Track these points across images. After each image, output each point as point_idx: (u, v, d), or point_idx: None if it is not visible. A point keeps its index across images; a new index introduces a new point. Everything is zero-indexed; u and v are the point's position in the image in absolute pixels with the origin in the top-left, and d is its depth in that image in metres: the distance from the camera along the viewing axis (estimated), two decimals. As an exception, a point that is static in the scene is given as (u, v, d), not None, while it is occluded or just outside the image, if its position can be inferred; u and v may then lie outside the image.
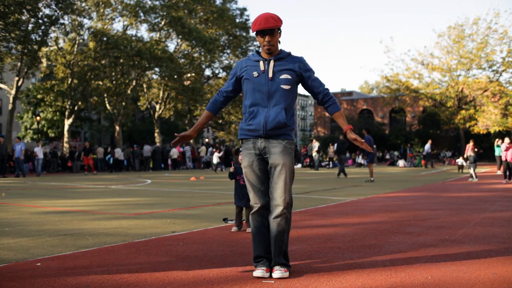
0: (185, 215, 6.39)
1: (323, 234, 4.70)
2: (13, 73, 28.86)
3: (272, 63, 3.10)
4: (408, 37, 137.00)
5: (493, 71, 35.93)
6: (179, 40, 35.31)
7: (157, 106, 36.42)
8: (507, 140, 13.72)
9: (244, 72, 3.16)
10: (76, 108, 30.84)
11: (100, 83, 31.27)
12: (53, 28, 27.80)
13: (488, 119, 34.42)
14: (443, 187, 12.00)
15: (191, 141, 39.39)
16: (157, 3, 33.60)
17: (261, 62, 3.11)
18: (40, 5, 25.45)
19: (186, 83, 34.91)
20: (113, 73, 31.26)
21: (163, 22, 33.21)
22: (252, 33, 3.08)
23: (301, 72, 3.14)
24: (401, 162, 30.35)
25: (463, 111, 35.65)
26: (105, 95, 32.01)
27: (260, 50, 3.20)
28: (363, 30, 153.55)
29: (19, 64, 26.20)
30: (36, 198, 9.35)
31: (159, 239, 4.48)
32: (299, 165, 29.81)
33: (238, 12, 39.31)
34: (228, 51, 39.93)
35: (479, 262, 3.39)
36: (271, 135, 3.08)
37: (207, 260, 3.53)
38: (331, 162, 29.10)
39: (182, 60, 35.16)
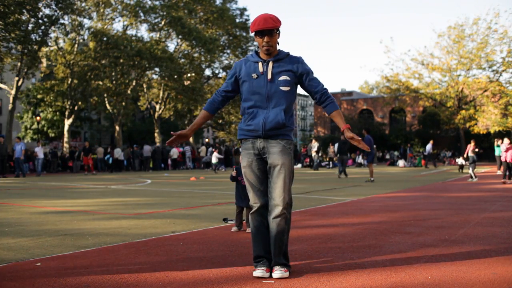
0: (185, 215, 6.39)
1: (323, 234, 4.70)
2: (13, 73, 28.87)
3: (271, 64, 3.10)
4: (408, 37, 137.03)
5: (493, 71, 35.95)
6: (179, 40, 35.32)
7: (157, 106, 36.43)
8: (506, 140, 13.71)
9: (243, 73, 3.15)
10: (76, 108, 30.84)
11: (100, 83, 31.27)
12: (53, 28, 27.82)
13: (488, 119, 34.43)
14: (443, 187, 12.00)
15: (191, 141, 39.44)
16: (157, 3, 33.60)
17: (260, 64, 3.11)
18: (40, 5, 25.45)
19: (186, 83, 34.91)
20: (113, 73, 31.27)
21: (163, 22, 33.21)
22: (252, 33, 3.05)
23: (300, 72, 3.13)
24: (401, 162, 30.36)
25: (463, 111, 35.65)
26: (105, 95, 32.01)
27: (258, 51, 3.20)
28: (363, 30, 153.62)
29: (19, 64, 26.21)
30: (36, 198, 9.35)
31: (159, 239, 4.48)
32: (299, 165, 29.81)
33: (238, 12, 39.32)
34: (228, 51, 39.93)
35: (479, 262, 3.39)
36: (270, 135, 3.08)
37: (207, 260, 3.53)
38: (331, 162, 29.10)
39: (182, 60, 35.16)
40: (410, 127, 45.94)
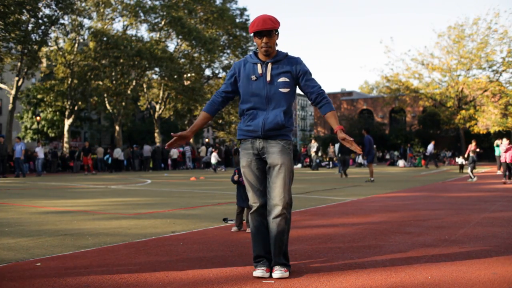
0: (185, 215, 6.39)
1: (323, 234, 4.70)
2: (13, 73, 28.87)
3: (270, 66, 3.10)
4: (408, 37, 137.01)
5: (493, 71, 35.94)
6: (179, 40, 35.32)
7: (157, 106, 36.43)
8: (505, 141, 13.70)
9: (242, 74, 3.15)
10: (76, 108, 30.85)
11: (100, 83, 31.28)
12: (53, 28, 27.81)
13: (488, 119, 34.43)
14: (443, 187, 12.00)
15: (191, 141, 39.43)
16: (157, 3, 33.60)
17: (259, 65, 3.11)
18: (40, 5, 25.45)
19: (186, 83, 34.91)
20: (113, 73, 31.27)
21: (163, 22, 33.21)
22: (251, 34, 3.04)
23: (298, 72, 3.14)
24: (401, 162, 30.37)
25: (463, 111, 35.65)
26: (105, 95, 32.02)
27: (257, 51, 3.20)
28: (363, 30, 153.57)
29: (19, 64, 26.21)
30: (36, 198, 9.35)
31: (159, 239, 4.48)
32: (299, 165, 29.81)
33: (238, 12, 39.33)
34: (228, 51, 39.94)
35: (479, 262, 3.39)
36: (269, 135, 3.09)
37: (207, 260, 3.53)
38: (331, 162, 29.10)
39: (182, 60, 35.17)
40: (410, 127, 45.95)
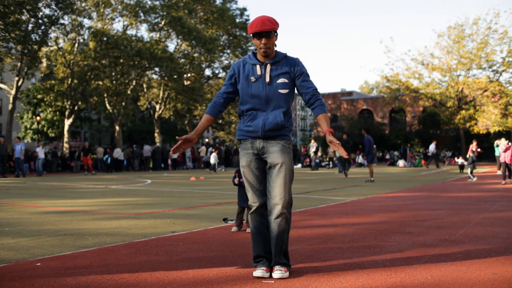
0: (185, 215, 6.39)
1: (323, 234, 4.70)
2: (13, 73, 28.87)
3: (269, 67, 3.10)
4: (408, 37, 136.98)
5: (493, 71, 35.93)
6: (179, 40, 35.32)
7: (157, 106, 36.44)
8: (504, 140, 13.69)
9: (242, 75, 3.16)
10: (76, 108, 30.84)
11: (100, 83, 31.27)
12: (53, 28, 27.80)
13: (488, 119, 34.43)
14: (443, 187, 12.01)
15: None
16: (157, 3, 33.59)
17: (258, 66, 3.12)
18: (40, 5, 25.45)
19: (186, 83, 34.91)
20: (113, 73, 31.27)
21: (163, 22, 33.21)
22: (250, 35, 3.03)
23: (295, 73, 3.14)
24: (401, 162, 30.36)
25: (463, 111, 35.65)
26: (105, 95, 32.01)
27: (256, 52, 3.20)
28: (363, 30, 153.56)
29: (19, 64, 26.20)
30: (36, 198, 9.35)
31: (159, 239, 4.48)
32: (299, 165, 29.82)
33: (238, 12, 39.31)
34: (228, 51, 39.93)
35: (479, 262, 3.39)
36: (269, 136, 3.09)
37: (207, 260, 3.53)
38: (331, 162, 29.11)
39: (182, 60, 35.16)
40: (410, 127, 45.95)
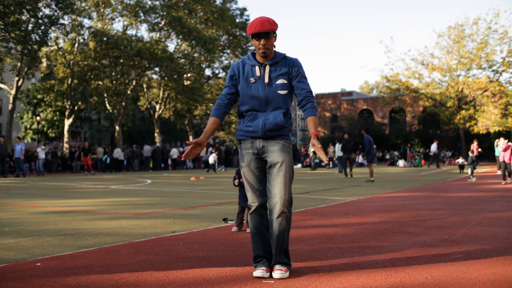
0: (185, 215, 6.39)
1: (323, 234, 4.70)
2: (13, 73, 28.87)
3: (268, 68, 3.11)
4: (408, 37, 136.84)
5: (493, 71, 35.94)
6: (179, 40, 35.32)
7: (157, 106, 36.44)
8: (502, 140, 13.68)
9: (241, 76, 3.16)
10: (76, 108, 30.84)
11: (100, 83, 31.27)
12: (53, 28, 27.80)
13: (488, 119, 34.43)
14: (443, 187, 12.01)
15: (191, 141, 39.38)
16: (157, 3, 33.58)
17: (257, 68, 3.12)
18: (40, 5, 25.44)
19: (186, 83, 34.91)
20: (113, 73, 31.26)
21: (163, 22, 33.21)
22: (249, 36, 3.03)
23: (293, 74, 3.14)
24: (401, 162, 30.37)
25: (463, 111, 35.66)
26: (105, 95, 32.01)
27: (255, 52, 3.20)
28: (363, 30, 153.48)
29: (19, 64, 26.20)
30: (36, 198, 9.35)
31: (159, 239, 4.48)
32: (299, 165, 29.81)
33: (238, 12, 39.32)
34: (228, 51, 39.94)
35: (479, 262, 3.39)
36: (269, 136, 3.10)
37: (207, 260, 3.53)
38: (331, 162, 29.10)
39: (182, 60, 35.16)
40: (410, 127, 45.96)
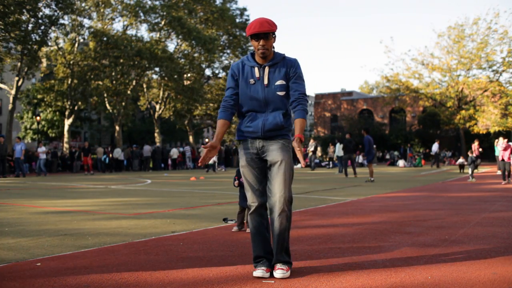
0: (185, 215, 6.39)
1: (323, 234, 4.70)
2: (13, 73, 28.87)
3: (267, 69, 3.11)
4: (408, 37, 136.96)
5: (493, 71, 35.92)
6: (179, 40, 35.32)
7: (157, 106, 36.45)
8: (502, 139, 13.68)
9: (241, 77, 3.17)
10: (76, 108, 30.85)
11: (100, 83, 31.27)
12: (53, 28, 27.80)
13: (488, 119, 34.42)
14: (443, 187, 12.01)
15: (191, 141, 39.45)
16: (157, 3, 33.59)
17: (256, 69, 3.13)
18: (40, 5, 25.43)
19: (186, 83, 34.91)
20: (113, 73, 31.27)
21: (163, 22, 33.21)
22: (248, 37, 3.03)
23: (290, 74, 3.14)
24: (401, 162, 30.37)
25: (463, 111, 35.65)
26: (105, 95, 32.02)
27: (254, 53, 3.20)
28: (363, 30, 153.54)
29: (19, 64, 26.20)
30: (36, 198, 9.35)
31: (159, 239, 4.48)
32: (299, 165, 29.81)
33: (238, 12, 39.33)
34: (228, 51, 39.95)
35: (479, 262, 3.39)
36: (269, 136, 3.11)
37: (207, 260, 3.53)
38: (331, 162, 29.11)
39: (182, 60, 35.17)
40: (410, 127, 45.96)
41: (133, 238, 4.53)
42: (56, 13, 26.59)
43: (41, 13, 25.82)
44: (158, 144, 33.78)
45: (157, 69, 33.11)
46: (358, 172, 17.44)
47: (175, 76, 33.13)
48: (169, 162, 29.12)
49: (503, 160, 13.15)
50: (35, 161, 23.39)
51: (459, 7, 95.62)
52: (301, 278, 2.99)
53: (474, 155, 15.21)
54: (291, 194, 3.07)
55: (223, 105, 3.21)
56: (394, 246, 4.02)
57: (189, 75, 35.51)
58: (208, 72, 40.44)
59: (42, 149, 21.43)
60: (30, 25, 25.71)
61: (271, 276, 3.02)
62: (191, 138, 39.88)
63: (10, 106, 26.79)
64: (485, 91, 35.47)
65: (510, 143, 13.35)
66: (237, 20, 38.71)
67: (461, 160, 20.98)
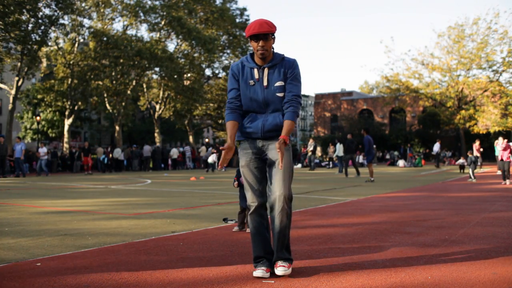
0: (185, 215, 6.39)
1: (323, 234, 4.70)
2: (13, 73, 28.86)
3: (266, 71, 3.12)
4: (408, 37, 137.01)
5: (493, 71, 35.92)
6: (179, 40, 35.33)
7: (157, 106, 36.45)
8: (501, 139, 13.67)
9: (241, 78, 3.17)
10: (76, 108, 30.85)
11: (100, 83, 31.28)
12: (53, 28, 27.80)
13: (488, 119, 34.43)
14: (443, 187, 12.01)
15: (191, 141, 39.46)
16: (157, 3, 33.60)
17: (256, 70, 3.13)
18: (40, 5, 25.44)
19: (186, 83, 34.91)
20: (113, 73, 31.27)
21: (163, 22, 33.22)
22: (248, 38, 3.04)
23: (288, 74, 3.13)
24: (401, 162, 30.38)
25: (463, 111, 35.65)
26: (105, 95, 32.02)
27: (253, 53, 3.20)
28: (363, 30, 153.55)
29: (19, 64, 26.20)
30: (36, 198, 9.35)
31: (159, 239, 4.48)
32: (299, 165, 29.81)
33: (238, 12, 39.34)
34: (228, 51, 39.95)
35: (479, 262, 3.39)
36: (269, 136, 3.12)
37: (207, 260, 3.53)
38: (331, 162, 29.10)
39: (182, 60, 35.18)
40: (410, 127, 45.96)
41: (133, 238, 4.53)
42: (56, 13, 26.59)
43: (41, 13, 25.82)
44: (158, 144, 33.77)
45: (157, 69, 33.11)
46: (355, 172, 17.44)
47: (175, 76, 33.13)
48: (169, 162, 29.12)
49: (502, 160, 13.15)
50: (35, 161, 23.38)
51: (459, 7, 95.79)
52: (301, 278, 2.99)
53: (475, 155, 15.18)
54: (291, 192, 3.08)
55: (229, 107, 3.20)
56: (394, 246, 4.02)
57: (189, 75, 35.50)
58: (208, 72, 40.47)
59: (43, 150, 21.46)
60: (30, 25, 25.70)
61: (271, 276, 3.02)
62: (191, 138, 39.88)
63: (10, 106, 26.79)
64: (485, 91, 35.47)
65: (510, 143, 13.35)
66: (237, 20, 38.71)
67: (461, 160, 20.98)
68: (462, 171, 20.42)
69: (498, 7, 62.46)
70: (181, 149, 30.98)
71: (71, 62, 29.75)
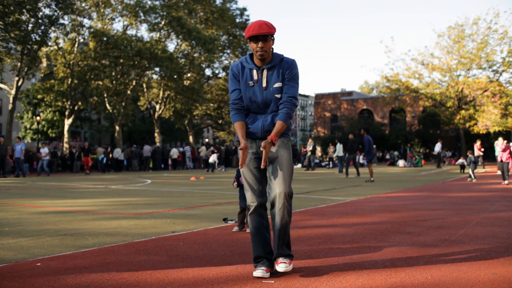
0: (185, 215, 6.39)
1: (323, 234, 4.70)
2: (13, 73, 28.86)
3: (265, 72, 3.12)
4: (408, 37, 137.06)
5: (493, 71, 35.91)
6: (179, 40, 35.33)
7: (157, 106, 36.45)
8: (501, 140, 13.67)
9: (241, 79, 3.18)
10: (76, 108, 30.84)
11: (100, 83, 31.27)
12: (53, 28, 27.79)
13: (488, 119, 34.42)
14: (443, 187, 12.00)
15: (191, 141, 39.46)
16: (157, 3, 33.59)
17: (255, 71, 3.13)
18: (40, 5, 25.43)
19: (186, 83, 34.91)
20: (113, 73, 31.27)
21: (163, 22, 33.21)
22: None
23: (286, 75, 3.13)
24: (401, 162, 30.37)
25: (463, 111, 35.65)
26: (105, 95, 32.01)
27: (252, 54, 3.20)
28: (363, 30, 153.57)
29: (19, 64, 26.19)
30: (36, 198, 9.34)
31: (159, 239, 4.48)
32: (299, 165, 29.81)
33: (238, 12, 39.34)
34: (228, 51, 39.94)
35: (479, 262, 3.39)
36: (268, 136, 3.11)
37: (207, 260, 3.53)
38: (331, 162, 29.10)
39: (182, 60, 35.17)
40: (410, 127, 45.94)
41: (133, 238, 4.53)
42: (56, 13, 26.58)
43: (41, 13, 25.82)
44: (158, 144, 33.76)
45: (157, 69, 33.10)
46: (355, 172, 17.44)
47: (175, 76, 33.13)
48: (169, 162, 29.11)
49: (502, 161, 13.15)
50: (36, 161, 23.38)
51: (459, 7, 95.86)
52: (301, 278, 2.99)
53: (477, 154, 15.16)
54: (291, 189, 3.09)
55: (234, 108, 3.19)
56: (394, 246, 4.02)
57: (189, 75, 35.50)
58: (208, 72, 40.47)
59: (45, 150, 21.46)
60: (30, 25, 25.70)
61: (271, 276, 3.02)
62: (191, 138, 39.88)
63: (10, 106, 26.79)
64: (485, 91, 35.46)
65: (510, 144, 13.35)
66: (237, 20, 38.71)
67: (461, 160, 20.97)
68: (462, 171, 20.42)
69: (498, 7, 62.54)
70: (181, 149, 30.97)
71: (71, 62, 29.74)
